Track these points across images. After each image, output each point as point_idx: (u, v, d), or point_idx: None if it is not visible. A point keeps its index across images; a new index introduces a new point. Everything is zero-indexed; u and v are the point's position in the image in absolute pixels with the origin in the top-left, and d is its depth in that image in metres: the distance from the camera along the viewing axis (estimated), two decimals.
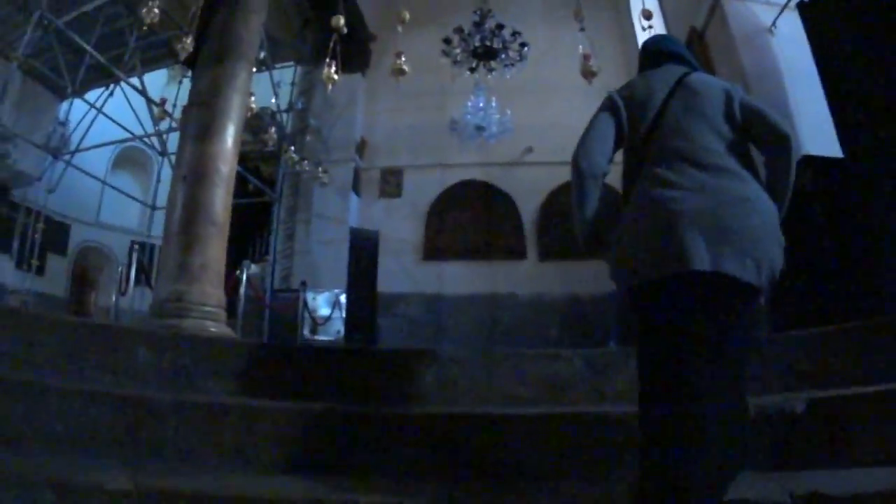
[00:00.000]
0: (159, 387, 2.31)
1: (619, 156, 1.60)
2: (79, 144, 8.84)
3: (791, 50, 4.69)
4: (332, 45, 5.92)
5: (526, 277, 8.34)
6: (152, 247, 9.66)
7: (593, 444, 1.80)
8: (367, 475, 1.77)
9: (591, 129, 1.55)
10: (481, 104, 7.97)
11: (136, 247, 8.89)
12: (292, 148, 8.14)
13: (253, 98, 7.57)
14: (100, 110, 8.78)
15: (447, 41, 7.80)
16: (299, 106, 8.99)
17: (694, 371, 1.25)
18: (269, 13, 6.00)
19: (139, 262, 8.10)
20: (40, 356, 2.30)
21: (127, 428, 1.88)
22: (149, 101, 8.61)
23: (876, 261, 3.40)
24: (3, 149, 8.37)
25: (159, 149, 9.46)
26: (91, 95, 8.94)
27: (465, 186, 8.93)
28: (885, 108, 3.56)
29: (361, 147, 9.22)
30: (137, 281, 9.02)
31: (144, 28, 5.31)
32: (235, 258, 7.13)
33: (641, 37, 7.61)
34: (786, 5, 4.72)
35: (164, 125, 8.99)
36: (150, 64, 9.07)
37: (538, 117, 8.55)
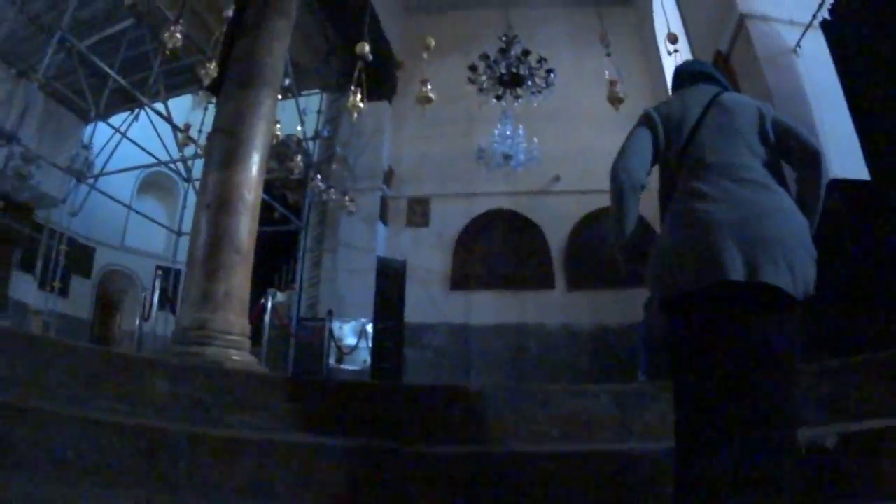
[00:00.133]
0: (176, 418, 2.30)
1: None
2: (103, 168, 8.83)
3: (816, 70, 4.68)
4: (357, 72, 5.89)
5: (554, 307, 8.25)
6: (177, 272, 9.62)
7: (620, 482, 1.82)
8: None
9: (629, 143, 1.59)
10: (508, 132, 7.89)
11: (160, 273, 8.90)
12: (318, 176, 8.10)
13: (279, 125, 7.57)
14: (124, 134, 8.75)
15: (473, 68, 7.76)
16: (325, 134, 8.95)
17: (733, 396, 1.23)
18: (294, 40, 5.95)
19: (163, 289, 8.10)
20: (55, 383, 2.29)
21: (141, 458, 1.87)
22: (174, 126, 8.63)
23: None
24: (26, 170, 8.36)
25: (184, 174, 9.46)
26: (116, 119, 8.95)
27: (493, 215, 8.88)
28: None
29: (389, 176, 9.19)
30: (161, 306, 9.05)
31: (168, 52, 5.30)
32: (261, 286, 7.10)
33: (667, 61, 7.57)
34: (810, 24, 4.69)
35: (188, 151, 8.98)
36: (174, 89, 9.05)
37: (565, 145, 8.52)
